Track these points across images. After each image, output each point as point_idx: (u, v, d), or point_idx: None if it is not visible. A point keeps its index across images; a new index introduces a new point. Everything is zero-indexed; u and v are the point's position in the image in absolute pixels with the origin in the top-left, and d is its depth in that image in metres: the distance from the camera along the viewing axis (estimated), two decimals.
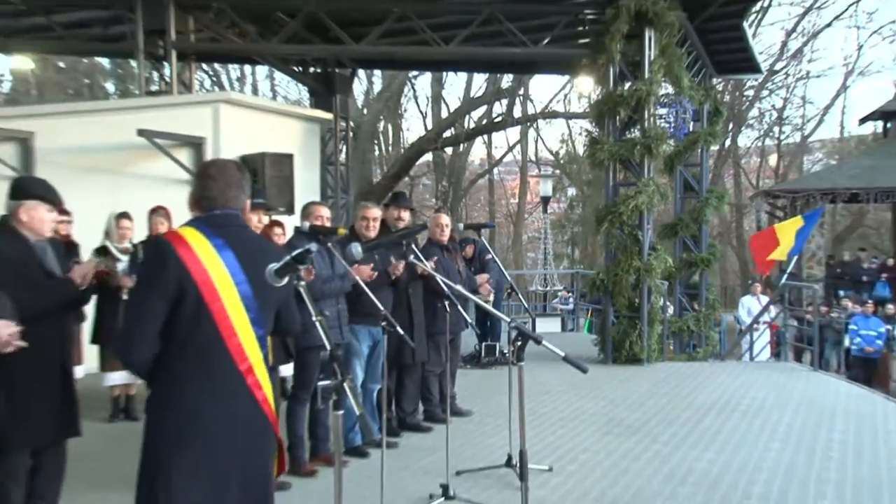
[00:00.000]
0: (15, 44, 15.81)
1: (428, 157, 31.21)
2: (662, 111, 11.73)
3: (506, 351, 10.16)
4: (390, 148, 33.66)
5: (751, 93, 31.29)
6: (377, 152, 32.11)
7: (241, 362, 3.01)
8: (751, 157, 35.62)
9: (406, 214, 6.99)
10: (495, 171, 38.67)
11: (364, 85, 30.01)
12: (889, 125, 23.21)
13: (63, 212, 5.48)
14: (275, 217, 6.86)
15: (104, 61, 28.52)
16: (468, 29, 13.02)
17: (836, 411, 8.22)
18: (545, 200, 25.29)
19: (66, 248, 4.63)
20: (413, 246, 5.85)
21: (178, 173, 9.70)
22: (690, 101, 12.18)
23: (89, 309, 5.77)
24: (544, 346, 3.30)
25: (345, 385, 2.93)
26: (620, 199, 11.19)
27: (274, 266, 3.03)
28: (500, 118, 30.35)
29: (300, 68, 17.25)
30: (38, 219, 4.12)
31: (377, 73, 28.03)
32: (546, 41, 13.26)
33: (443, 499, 5.24)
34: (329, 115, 14.59)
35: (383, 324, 4.85)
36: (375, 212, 6.52)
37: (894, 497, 5.54)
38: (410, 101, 33.80)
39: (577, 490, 5.61)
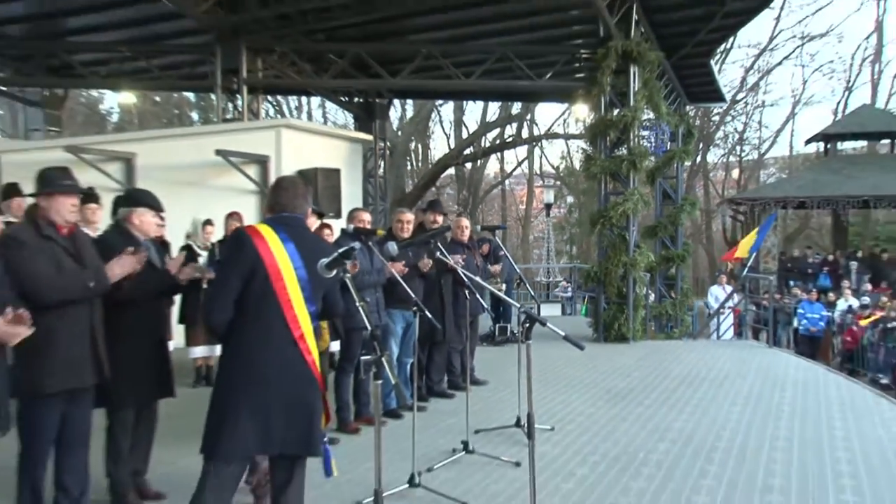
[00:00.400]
0: (122, 83, 16.01)
1: (451, 171, 31.20)
2: (645, 133, 11.73)
3: (516, 331, 10.12)
4: (420, 163, 33.63)
5: (717, 118, 31.51)
6: (409, 167, 32.11)
7: (295, 330, 3.18)
8: (717, 171, 35.66)
9: (440, 218, 7.02)
10: (507, 182, 38.64)
11: (398, 112, 30.08)
12: (829, 146, 23.58)
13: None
14: (325, 220, 6.87)
15: (190, 95, 28.84)
16: (484, 66, 13.08)
17: (787, 380, 8.23)
18: (548, 206, 25.20)
19: (161, 246, 4.69)
20: (439, 244, 5.84)
21: (247, 185, 9.75)
22: (668, 125, 12.19)
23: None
24: (548, 327, 3.28)
25: (382, 359, 2.95)
26: (610, 206, 11.21)
27: (324, 260, 3.08)
28: (510, 139, 30.46)
29: (346, 98, 17.30)
30: (147, 222, 4.25)
31: (409, 101, 28.00)
32: (548, 75, 13.27)
33: (463, 452, 5.24)
34: (370, 137, 14.62)
35: (414, 309, 4.84)
36: (409, 216, 6.52)
37: (832, 449, 5.60)
38: (436, 124, 33.81)
39: (575, 445, 5.60)
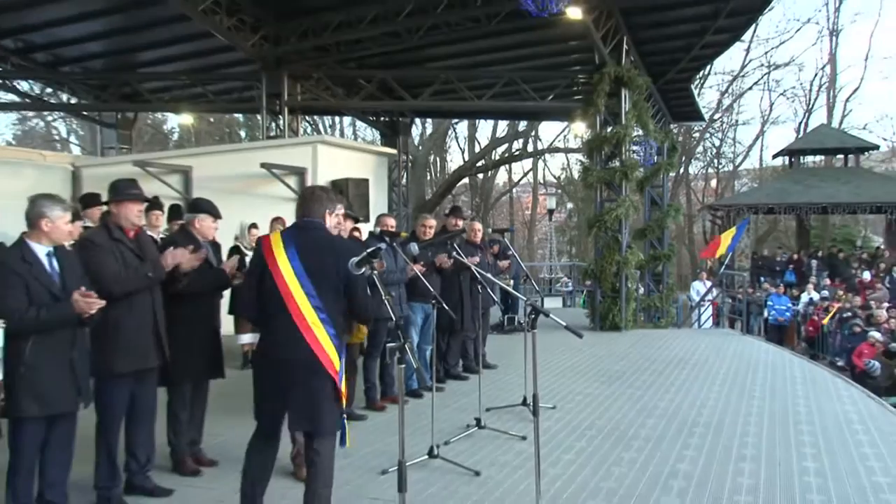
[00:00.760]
0: (182, 106, 16.22)
1: (465, 180, 31.18)
2: (635, 147, 11.66)
3: (523, 321, 10.08)
4: (438, 174, 33.62)
5: (697, 135, 31.48)
6: (428, 177, 32.10)
7: (300, 323, 3.17)
8: (698, 180, 35.56)
9: (461, 222, 7.04)
10: (514, 190, 38.50)
11: (419, 129, 29.97)
12: (793, 160, 23.64)
13: None
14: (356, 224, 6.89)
15: (239, 116, 28.94)
16: (494, 89, 13.09)
17: (758, 363, 8.19)
18: (550, 212, 25.05)
19: (214, 247, 4.74)
20: (455, 245, 5.82)
21: (288, 193, 9.75)
22: (655, 141, 12.12)
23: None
24: (551, 318, 3.26)
25: (405, 346, 2.92)
26: (605, 211, 11.16)
27: (354, 259, 3.07)
28: (517, 152, 30.40)
29: (374, 118, 17.38)
30: (207, 226, 4.33)
31: (429, 120, 27.98)
32: (550, 97, 13.28)
33: (476, 427, 5.22)
34: (394, 151, 14.62)
35: (433, 302, 4.82)
36: (431, 221, 6.53)
37: (796, 422, 5.62)
38: (452, 140, 33.84)
39: (574, 421, 5.57)
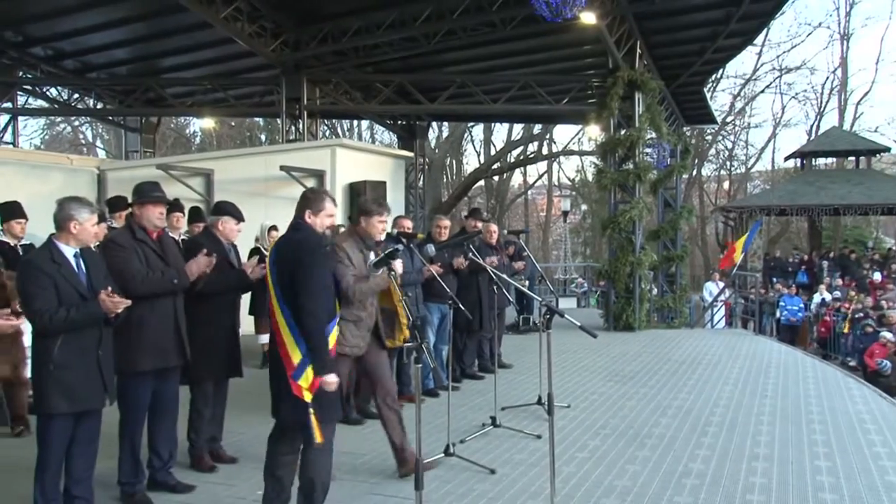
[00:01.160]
0: (204, 111, 16.42)
1: (481, 182, 31.11)
2: (648, 150, 11.61)
3: (538, 321, 10.03)
4: (454, 176, 33.57)
5: (710, 137, 31.21)
6: (445, 180, 32.06)
7: (272, 318, 3.29)
8: (710, 182, 35.24)
9: (480, 224, 7.01)
10: (529, 192, 38.37)
11: (436, 132, 29.98)
12: (804, 162, 23.46)
13: None
14: None
15: (259, 120, 29.10)
16: (510, 93, 13.09)
17: (770, 363, 8.11)
18: (565, 213, 24.96)
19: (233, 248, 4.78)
20: (471, 246, 5.82)
21: None
22: (668, 143, 12.07)
23: None
24: (566, 318, 3.24)
25: (422, 346, 2.92)
26: (619, 213, 11.11)
27: (372, 259, 3.07)
28: (532, 155, 30.30)
29: (391, 121, 17.41)
30: (230, 229, 4.37)
31: (445, 123, 27.97)
32: (565, 101, 13.24)
33: (492, 426, 5.20)
34: (411, 154, 14.62)
35: (450, 302, 4.81)
36: (446, 222, 6.53)
37: (809, 421, 5.55)
38: (468, 143, 33.74)
39: (588, 420, 5.53)
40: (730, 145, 32.93)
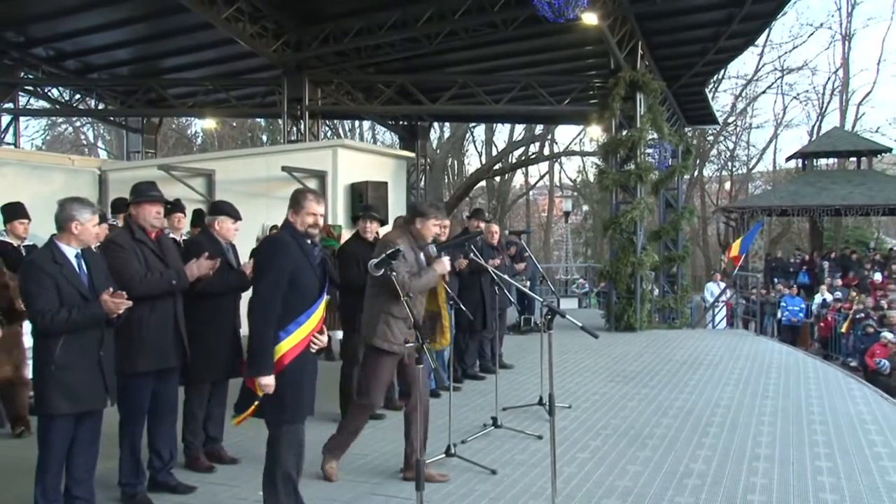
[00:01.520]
0: (205, 111, 16.39)
1: (482, 183, 31.12)
2: (650, 151, 11.62)
3: (539, 322, 10.05)
4: (455, 177, 33.60)
5: (711, 138, 31.22)
6: (446, 180, 32.08)
7: None
8: (712, 183, 35.24)
9: (482, 224, 7.01)
10: (531, 193, 38.34)
11: (437, 132, 30.00)
12: (806, 162, 23.50)
13: None
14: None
15: (261, 121, 29.10)
16: (511, 93, 13.08)
17: (772, 364, 8.11)
18: (566, 214, 25.02)
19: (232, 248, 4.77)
20: (473, 246, 5.81)
21: None
22: (669, 144, 12.08)
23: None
24: (567, 318, 3.24)
25: (424, 347, 2.91)
26: (621, 213, 11.12)
27: (373, 261, 3.06)
28: (534, 155, 30.34)
29: (393, 122, 17.41)
30: (227, 228, 4.35)
31: (446, 124, 27.99)
32: (567, 101, 13.21)
33: (493, 427, 5.20)
34: (412, 155, 14.62)
35: (451, 303, 4.81)
36: (446, 222, 6.49)
37: (809, 421, 5.55)
38: (470, 143, 33.73)
39: (589, 421, 5.53)
40: (731, 146, 32.99)
